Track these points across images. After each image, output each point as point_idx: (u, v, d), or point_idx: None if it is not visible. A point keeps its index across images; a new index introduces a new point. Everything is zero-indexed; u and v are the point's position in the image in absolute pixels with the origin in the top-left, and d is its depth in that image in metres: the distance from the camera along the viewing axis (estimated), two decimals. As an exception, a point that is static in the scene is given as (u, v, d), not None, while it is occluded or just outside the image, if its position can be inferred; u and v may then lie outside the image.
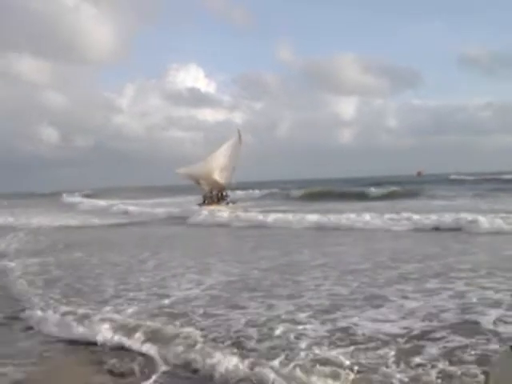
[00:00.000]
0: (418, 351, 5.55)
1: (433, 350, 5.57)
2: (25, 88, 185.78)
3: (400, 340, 5.94)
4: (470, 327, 6.27)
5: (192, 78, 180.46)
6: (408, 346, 5.76)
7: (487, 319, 6.50)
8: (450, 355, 5.36)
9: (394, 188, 41.66)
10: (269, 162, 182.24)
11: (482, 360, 5.13)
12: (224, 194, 37.04)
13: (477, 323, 6.40)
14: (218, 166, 36.82)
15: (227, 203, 36.00)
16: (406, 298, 7.92)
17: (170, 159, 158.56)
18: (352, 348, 5.71)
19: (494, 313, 6.77)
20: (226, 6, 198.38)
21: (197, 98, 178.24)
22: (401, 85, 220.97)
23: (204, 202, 36.01)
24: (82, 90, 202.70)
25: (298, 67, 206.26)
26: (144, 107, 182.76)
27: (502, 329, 6.14)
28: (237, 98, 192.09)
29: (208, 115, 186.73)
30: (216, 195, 36.48)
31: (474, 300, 7.52)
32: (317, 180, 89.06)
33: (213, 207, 33.55)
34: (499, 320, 6.46)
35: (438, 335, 6.04)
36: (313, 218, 21.22)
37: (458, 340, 5.81)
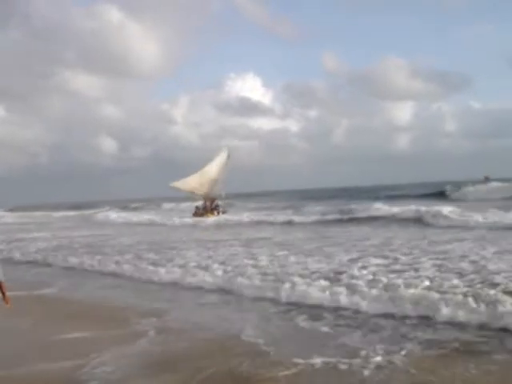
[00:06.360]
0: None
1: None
2: (81, 102, 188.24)
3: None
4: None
5: (246, 87, 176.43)
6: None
7: None
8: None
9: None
10: (325, 169, 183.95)
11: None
12: (216, 204, 39.77)
13: None
14: (209, 179, 40.47)
15: (218, 213, 38.69)
16: None
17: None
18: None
19: None
20: (268, 18, 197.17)
21: (249, 108, 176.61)
22: (451, 88, 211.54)
23: (197, 211, 39.13)
24: (137, 102, 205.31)
25: (345, 74, 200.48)
26: (199, 117, 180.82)
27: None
28: (287, 106, 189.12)
29: (262, 124, 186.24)
30: (210, 206, 39.31)
31: None
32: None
33: (205, 216, 36.94)
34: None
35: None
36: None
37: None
